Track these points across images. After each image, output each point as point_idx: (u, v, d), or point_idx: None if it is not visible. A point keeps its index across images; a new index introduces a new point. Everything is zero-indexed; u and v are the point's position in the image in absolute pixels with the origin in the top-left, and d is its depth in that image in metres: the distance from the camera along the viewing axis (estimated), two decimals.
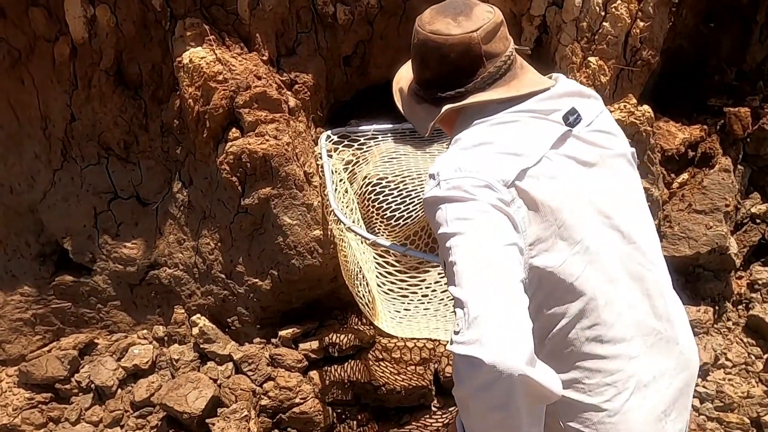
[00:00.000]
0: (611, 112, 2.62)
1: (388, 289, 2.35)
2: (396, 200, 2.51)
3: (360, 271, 2.28)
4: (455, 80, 1.23)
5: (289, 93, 2.57)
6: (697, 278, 3.35)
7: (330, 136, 2.73)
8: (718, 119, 3.57)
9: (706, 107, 3.71)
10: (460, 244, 1.03)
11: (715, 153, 3.35)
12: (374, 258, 2.33)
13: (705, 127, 3.54)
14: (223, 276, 2.65)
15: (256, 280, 2.60)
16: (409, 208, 2.43)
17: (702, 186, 3.26)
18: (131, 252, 2.72)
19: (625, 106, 2.59)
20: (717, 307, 3.33)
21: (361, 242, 2.21)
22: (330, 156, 2.56)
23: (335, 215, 2.28)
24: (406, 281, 2.35)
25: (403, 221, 2.39)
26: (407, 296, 2.38)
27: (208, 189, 2.57)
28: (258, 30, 2.49)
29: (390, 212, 2.40)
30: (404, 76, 1.42)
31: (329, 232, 2.55)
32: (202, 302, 2.72)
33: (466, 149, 1.15)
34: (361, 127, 2.81)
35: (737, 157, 3.51)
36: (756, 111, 3.47)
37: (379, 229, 2.35)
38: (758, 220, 3.53)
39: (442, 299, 2.38)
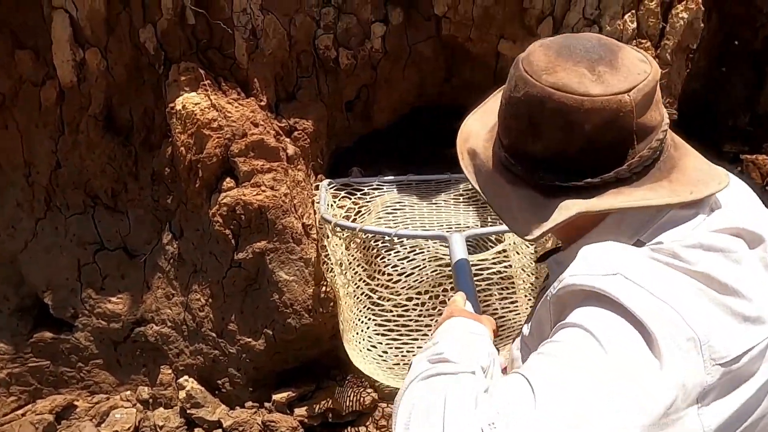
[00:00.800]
0: None
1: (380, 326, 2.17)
2: (399, 254, 2.35)
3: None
4: (587, 164, 0.82)
5: (287, 140, 2.44)
6: None
7: (332, 183, 2.59)
8: (734, 166, 3.45)
9: (721, 153, 3.59)
10: (597, 378, 0.65)
11: None
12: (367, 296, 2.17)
13: None
14: (213, 334, 2.46)
15: (249, 340, 2.42)
16: (413, 264, 2.25)
17: None
18: (116, 307, 2.54)
19: None
20: None
21: (352, 276, 2.07)
22: (330, 206, 2.41)
23: (323, 218, 2.16)
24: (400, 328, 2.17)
25: (405, 278, 2.21)
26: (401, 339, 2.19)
27: (199, 241, 2.40)
28: (256, 74, 2.37)
29: (392, 268, 2.23)
30: (477, 133, 0.99)
31: (325, 287, 2.37)
32: (190, 362, 2.53)
33: (664, 285, 0.73)
34: (365, 178, 2.68)
35: None
36: None
37: (379, 286, 2.17)
38: None
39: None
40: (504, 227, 1.88)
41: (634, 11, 2.40)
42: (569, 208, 0.81)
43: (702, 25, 2.55)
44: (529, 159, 0.86)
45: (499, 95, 1.02)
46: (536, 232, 0.83)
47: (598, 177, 0.82)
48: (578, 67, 0.81)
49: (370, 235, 2.04)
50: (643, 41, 2.39)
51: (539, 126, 0.83)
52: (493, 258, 1.94)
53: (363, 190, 2.60)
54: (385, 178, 2.67)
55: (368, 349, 2.14)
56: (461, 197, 2.61)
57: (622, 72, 0.81)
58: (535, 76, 0.83)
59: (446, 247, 1.83)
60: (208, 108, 2.24)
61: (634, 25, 2.41)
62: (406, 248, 2.14)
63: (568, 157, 0.83)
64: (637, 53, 0.86)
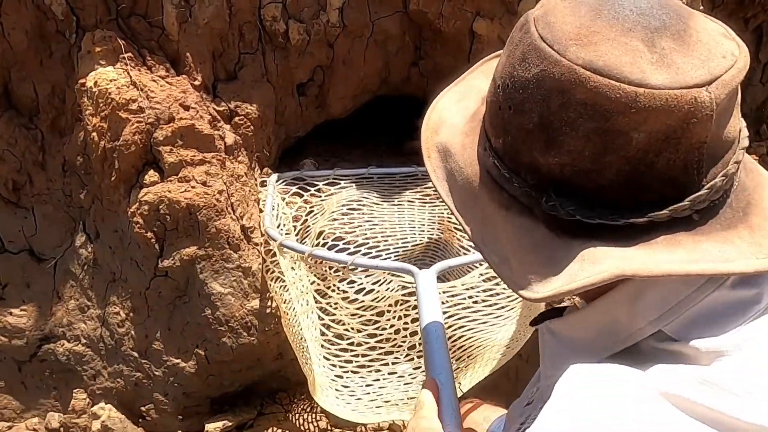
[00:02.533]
0: None
1: (332, 356, 1.80)
2: (355, 283, 2.02)
3: (301, 332, 1.80)
4: (629, 194, 0.53)
5: (226, 127, 2.07)
6: None
7: (281, 179, 2.24)
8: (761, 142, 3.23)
9: None
10: None
11: None
12: (318, 316, 1.80)
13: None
14: (135, 354, 2.09)
15: (178, 361, 2.05)
16: (372, 280, 1.90)
17: None
18: (20, 321, 2.14)
19: None
20: None
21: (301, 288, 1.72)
22: (277, 212, 2.06)
23: (267, 234, 1.79)
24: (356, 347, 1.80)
25: (363, 295, 1.86)
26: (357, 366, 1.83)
27: (118, 245, 2.03)
28: (189, 49, 2.00)
29: (347, 283, 1.86)
30: (453, 122, 0.67)
31: (269, 301, 2.03)
32: (108, 385, 2.15)
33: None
34: (319, 171, 2.34)
35: None
36: (765, 159, 3.13)
37: (335, 306, 1.82)
38: None
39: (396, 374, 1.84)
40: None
41: None
42: (599, 262, 0.50)
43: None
44: (537, 175, 0.55)
45: (488, 66, 0.70)
46: (541, 291, 0.51)
47: (646, 215, 0.51)
48: (629, 37, 0.50)
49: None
50: None
51: (558, 128, 0.52)
52: (477, 279, 1.61)
53: (317, 185, 2.26)
54: (342, 171, 2.34)
55: (329, 384, 1.81)
56: (429, 196, 2.29)
57: (699, 52, 0.51)
58: (559, 47, 0.52)
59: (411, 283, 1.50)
60: (126, 86, 1.86)
61: None
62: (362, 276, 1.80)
63: (600, 181, 0.52)
64: (715, 24, 0.55)
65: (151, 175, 1.90)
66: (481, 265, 1.55)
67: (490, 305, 1.62)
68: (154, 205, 1.87)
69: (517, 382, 2.34)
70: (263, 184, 2.19)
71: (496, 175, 0.57)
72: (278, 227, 2.00)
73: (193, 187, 1.89)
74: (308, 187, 2.24)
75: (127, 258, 2.01)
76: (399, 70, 2.44)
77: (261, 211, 2.10)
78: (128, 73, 1.87)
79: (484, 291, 1.59)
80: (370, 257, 2.04)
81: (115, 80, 1.86)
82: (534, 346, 2.16)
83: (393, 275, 1.54)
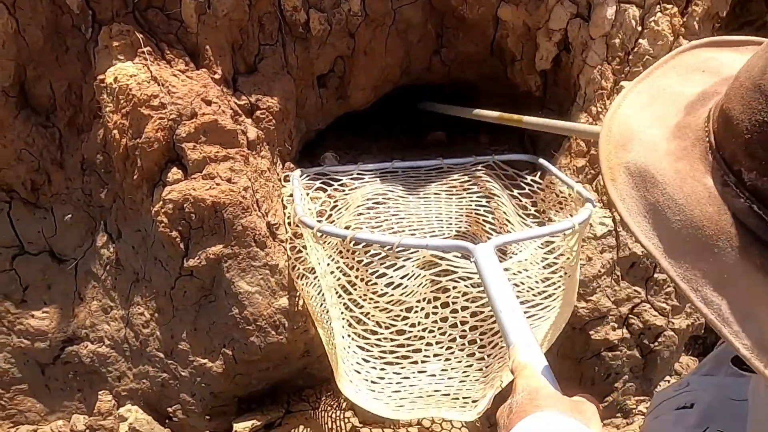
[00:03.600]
0: None
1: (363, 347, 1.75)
2: (384, 262, 1.97)
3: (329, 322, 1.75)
4: None
5: (248, 121, 2.02)
6: None
7: (304, 174, 2.19)
8: None
9: None
10: None
11: None
12: (346, 309, 1.75)
13: None
14: (161, 355, 2.05)
15: (205, 361, 2.02)
16: (400, 273, 1.84)
17: None
18: (42, 323, 2.11)
19: None
20: None
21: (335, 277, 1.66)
22: (305, 203, 2.01)
23: (302, 222, 1.74)
24: (386, 340, 1.75)
25: (392, 289, 1.81)
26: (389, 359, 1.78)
27: (141, 245, 1.98)
28: (208, 41, 1.94)
29: (376, 277, 1.81)
30: (653, 136, 0.53)
31: (297, 299, 1.99)
32: (134, 387, 2.12)
33: None
34: (342, 166, 2.29)
35: None
36: None
37: (362, 300, 1.78)
38: None
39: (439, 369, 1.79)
40: (552, 228, 1.50)
41: None
42: None
43: None
44: None
45: (680, 62, 0.56)
46: None
47: None
48: None
49: (361, 244, 1.62)
50: (669, 6, 2.04)
51: None
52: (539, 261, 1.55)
53: (340, 180, 2.21)
54: (366, 166, 2.29)
55: (359, 375, 1.77)
56: (455, 188, 2.24)
57: None
58: None
59: (464, 260, 1.44)
60: (147, 81, 1.80)
61: None
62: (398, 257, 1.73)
63: None
64: None
65: (175, 173, 1.85)
66: (533, 242, 1.49)
67: (545, 282, 1.58)
68: (179, 203, 1.83)
69: None
70: (286, 179, 2.14)
71: (754, 225, 0.44)
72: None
73: (218, 184, 1.84)
74: (332, 182, 2.19)
75: (151, 258, 1.97)
76: (420, 59, 2.38)
77: (285, 207, 2.06)
78: (148, 68, 1.82)
79: (540, 272, 1.54)
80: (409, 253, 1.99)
81: (135, 76, 1.80)
82: (567, 342, 2.12)
83: (440, 259, 1.47)
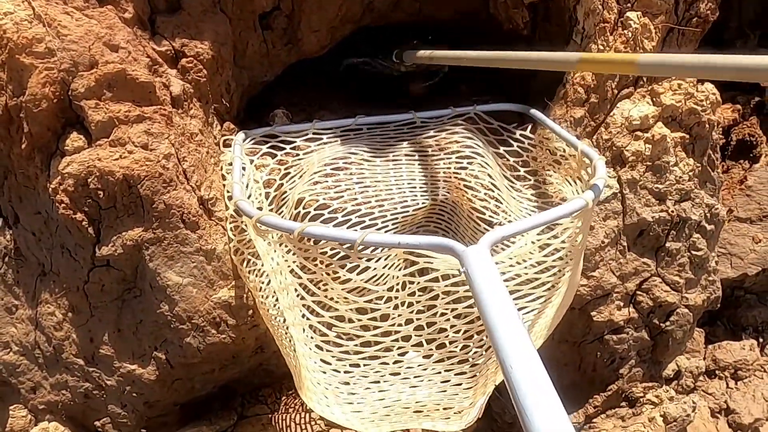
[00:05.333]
0: (660, 93, 1.79)
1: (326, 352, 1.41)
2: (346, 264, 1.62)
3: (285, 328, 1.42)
4: None
5: (171, 72, 1.62)
6: (737, 304, 2.63)
7: (249, 136, 1.81)
8: (750, 96, 2.84)
9: (732, 81, 2.98)
10: None
11: (758, 141, 2.61)
12: (304, 305, 1.40)
13: (738, 106, 2.80)
14: (80, 361, 1.70)
15: (134, 367, 1.67)
16: (365, 276, 1.47)
17: (745, 186, 2.51)
18: None
19: (679, 85, 1.76)
20: (761, 339, 2.62)
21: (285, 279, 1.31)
22: (248, 178, 1.64)
23: (239, 208, 1.38)
24: (352, 341, 1.41)
25: (357, 274, 1.46)
26: (355, 364, 1.45)
27: (43, 230, 1.60)
28: None
29: (338, 260, 1.45)
30: None
31: (243, 288, 1.64)
32: (53, 399, 1.77)
33: None
34: (295, 125, 1.91)
35: None
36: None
37: (324, 288, 1.42)
38: None
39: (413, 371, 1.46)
40: (560, 211, 1.13)
41: None
42: None
43: None
44: None
45: None
46: None
47: None
48: None
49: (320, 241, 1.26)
50: None
51: None
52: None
53: (294, 143, 1.83)
54: (324, 123, 1.92)
55: (331, 388, 1.43)
56: (431, 148, 1.88)
57: None
58: None
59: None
60: (27, 20, 1.39)
61: None
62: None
63: None
64: None
65: (75, 139, 1.46)
66: (529, 232, 1.15)
67: (547, 271, 1.25)
68: (82, 178, 1.44)
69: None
70: (226, 144, 1.76)
71: None
72: (249, 198, 1.59)
73: (130, 152, 1.45)
74: (283, 145, 1.82)
75: (57, 246, 1.59)
76: None
77: (224, 177, 1.68)
78: (30, 3, 1.40)
79: (538, 263, 1.21)
80: (376, 230, 1.64)
81: (11, 13, 1.38)
82: (564, 324, 1.80)
83: (417, 256, 1.13)
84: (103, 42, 1.46)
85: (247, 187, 1.61)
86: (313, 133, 1.88)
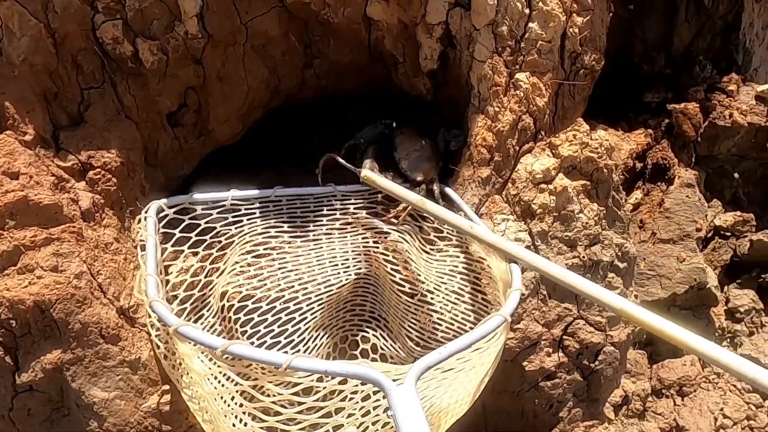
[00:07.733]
0: (557, 145, 1.88)
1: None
2: (280, 340, 1.63)
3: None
4: None
5: (79, 186, 1.64)
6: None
7: (162, 212, 1.76)
8: (660, 119, 2.99)
9: (644, 104, 3.13)
10: None
11: (671, 164, 2.74)
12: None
13: (649, 131, 2.94)
14: None
15: None
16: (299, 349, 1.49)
17: (663, 208, 2.63)
18: None
19: (574, 135, 1.86)
20: None
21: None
22: (161, 271, 1.65)
23: (154, 312, 1.37)
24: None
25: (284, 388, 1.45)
26: None
27: None
28: (7, 96, 1.54)
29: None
30: None
31: (176, 390, 1.63)
32: None
33: None
34: (212, 194, 1.86)
35: (690, 161, 2.93)
36: (704, 105, 2.91)
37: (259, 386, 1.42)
38: (725, 233, 2.96)
39: None
40: (477, 333, 1.21)
41: None
42: None
43: None
44: None
45: None
46: None
47: None
48: None
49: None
50: None
51: None
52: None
53: (214, 228, 1.81)
54: (242, 193, 1.87)
55: None
56: (350, 224, 1.92)
57: None
58: None
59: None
60: None
61: None
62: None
63: None
64: None
65: None
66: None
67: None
68: None
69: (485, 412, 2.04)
70: (140, 222, 1.71)
71: None
72: (168, 285, 1.59)
73: (39, 277, 1.46)
74: (198, 222, 1.76)
75: None
76: (290, 75, 2.05)
77: (138, 267, 1.66)
78: None
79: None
80: (301, 315, 1.65)
81: None
82: (501, 376, 1.85)
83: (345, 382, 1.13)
84: (1, 171, 1.47)
85: (164, 283, 1.59)
86: (231, 204, 1.84)
